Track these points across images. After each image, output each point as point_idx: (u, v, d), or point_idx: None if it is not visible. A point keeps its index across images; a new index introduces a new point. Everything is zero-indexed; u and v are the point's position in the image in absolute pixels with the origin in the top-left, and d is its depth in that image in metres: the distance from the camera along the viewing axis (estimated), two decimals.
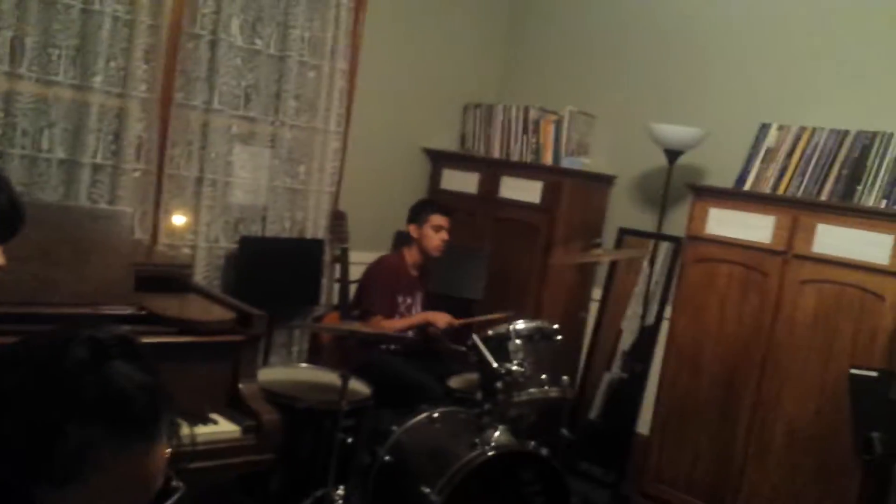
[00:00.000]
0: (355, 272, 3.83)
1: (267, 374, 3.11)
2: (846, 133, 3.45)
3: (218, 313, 2.51)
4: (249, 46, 3.69)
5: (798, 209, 3.34)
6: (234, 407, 2.44)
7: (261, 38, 3.72)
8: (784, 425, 3.29)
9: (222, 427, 2.36)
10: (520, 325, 3.04)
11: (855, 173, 3.38)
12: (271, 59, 3.77)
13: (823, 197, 3.42)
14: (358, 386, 3.15)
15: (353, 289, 3.83)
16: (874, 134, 3.38)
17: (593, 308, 4.38)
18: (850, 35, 3.60)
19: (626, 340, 4.22)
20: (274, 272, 3.77)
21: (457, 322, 3.60)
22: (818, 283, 3.24)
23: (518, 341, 3.01)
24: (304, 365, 3.51)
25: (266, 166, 3.87)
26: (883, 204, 3.26)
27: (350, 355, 3.18)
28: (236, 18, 3.60)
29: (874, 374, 2.97)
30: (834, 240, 3.21)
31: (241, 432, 2.38)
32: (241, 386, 2.45)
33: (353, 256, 3.85)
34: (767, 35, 3.86)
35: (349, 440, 2.87)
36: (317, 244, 3.99)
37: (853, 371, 2.98)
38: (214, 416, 2.39)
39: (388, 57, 4.33)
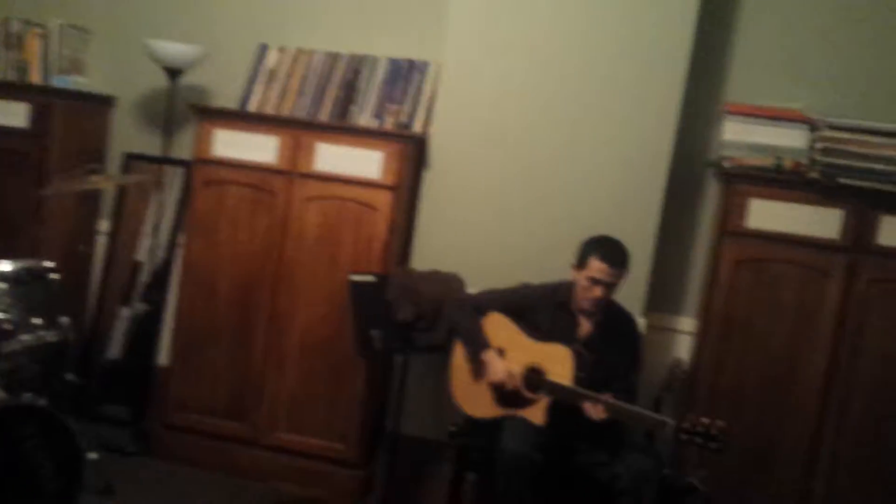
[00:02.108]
0: None
1: None
2: (338, 56, 3.66)
3: None
4: None
5: (299, 129, 3.45)
6: None
7: None
8: (298, 335, 3.47)
9: None
10: (3, 266, 2.66)
11: (349, 94, 3.61)
12: None
13: (322, 117, 3.59)
14: None
15: None
16: (363, 57, 3.64)
17: (103, 241, 4.06)
18: None
19: (145, 272, 4.00)
20: None
21: None
22: (321, 199, 3.42)
23: (2, 285, 2.63)
24: None
25: None
26: (374, 123, 3.55)
27: None
28: None
29: (371, 278, 3.26)
30: (332, 158, 3.40)
31: None
32: None
33: None
34: None
35: None
36: None
37: (352, 277, 3.23)
38: None
39: None
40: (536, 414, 2.89)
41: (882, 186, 2.96)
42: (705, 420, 2.66)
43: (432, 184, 3.53)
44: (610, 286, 2.88)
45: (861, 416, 3.13)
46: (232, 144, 3.47)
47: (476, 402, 3.06)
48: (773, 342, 3.19)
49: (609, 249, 2.88)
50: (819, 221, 3.08)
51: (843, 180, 2.98)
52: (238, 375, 3.53)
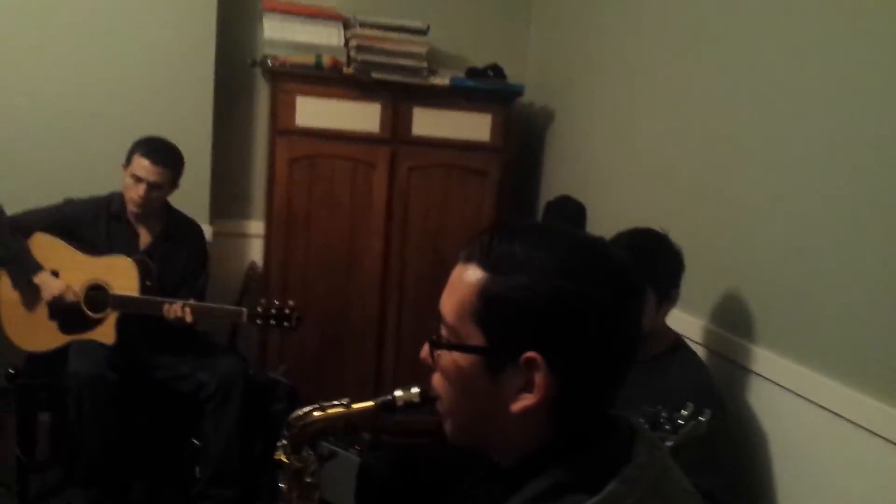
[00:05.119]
0: None
1: None
2: None
3: None
4: None
5: None
6: None
7: None
8: None
9: None
10: None
11: None
12: None
13: None
14: None
15: None
16: None
17: None
18: None
19: None
20: None
21: None
22: None
23: None
24: None
25: None
26: None
27: None
28: None
29: None
30: None
31: None
32: None
33: None
34: None
35: None
36: None
37: None
38: None
39: None
40: (105, 333, 2.76)
41: (409, 80, 3.25)
42: (276, 302, 2.78)
43: None
44: (154, 186, 2.78)
45: (415, 289, 3.51)
46: None
47: (35, 334, 2.80)
48: (335, 235, 3.38)
49: (153, 147, 2.78)
50: (361, 116, 3.28)
51: (375, 75, 3.20)
52: None
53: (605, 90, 3.10)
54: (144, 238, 2.88)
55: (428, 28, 3.32)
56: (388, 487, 2.22)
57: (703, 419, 1.57)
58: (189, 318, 2.69)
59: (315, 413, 1.08)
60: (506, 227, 0.92)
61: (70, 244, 2.79)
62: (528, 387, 0.87)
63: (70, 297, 2.72)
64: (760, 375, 2.13)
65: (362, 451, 2.75)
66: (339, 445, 2.77)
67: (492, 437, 0.94)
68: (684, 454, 1.50)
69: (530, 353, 0.85)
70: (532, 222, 0.96)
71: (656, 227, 2.10)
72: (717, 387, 2.06)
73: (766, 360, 2.11)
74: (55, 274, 2.76)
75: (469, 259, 0.91)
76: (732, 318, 2.26)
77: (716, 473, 1.80)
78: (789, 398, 2.01)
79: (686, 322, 2.35)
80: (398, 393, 1.03)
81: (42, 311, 2.77)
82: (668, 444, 1.52)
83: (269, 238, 3.38)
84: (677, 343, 2.11)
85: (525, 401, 0.87)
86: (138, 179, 2.75)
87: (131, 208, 2.81)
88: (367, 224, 3.41)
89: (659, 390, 1.90)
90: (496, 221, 0.85)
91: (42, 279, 2.72)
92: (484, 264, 0.89)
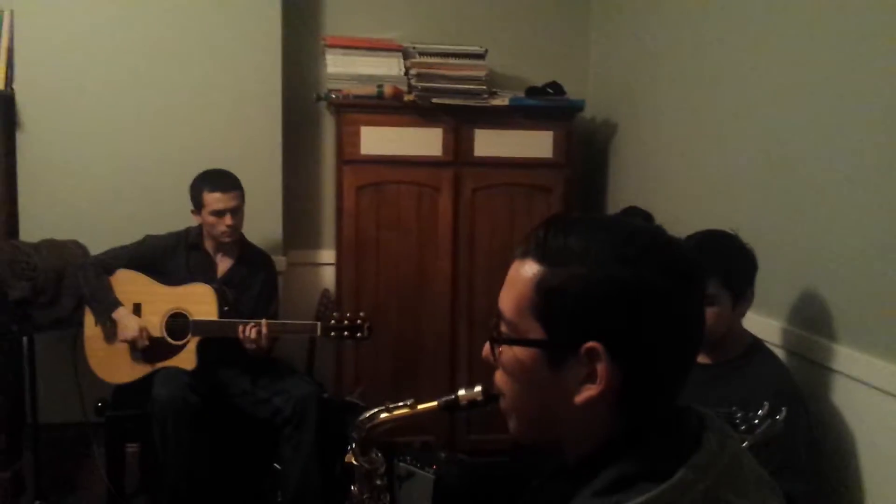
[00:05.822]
0: None
1: None
2: None
3: None
4: None
5: None
6: None
7: None
8: None
9: None
10: None
11: None
12: None
13: None
14: None
15: None
16: None
17: None
18: None
19: None
20: None
21: None
22: None
23: None
24: None
25: None
26: None
27: None
28: None
29: None
30: None
31: None
32: None
33: None
34: None
35: None
36: None
37: None
38: None
39: None
40: (187, 359, 2.85)
41: (468, 102, 3.29)
42: (348, 314, 2.84)
43: (28, 146, 3.22)
44: (234, 211, 2.91)
45: (485, 308, 3.50)
46: None
47: (118, 367, 2.91)
48: (403, 259, 3.43)
49: (216, 179, 2.91)
50: (424, 141, 3.33)
51: (436, 100, 3.26)
52: None
53: (669, 99, 3.08)
54: (222, 266, 3.00)
55: (486, 52, 3.37)
56: (463, 502, 2.23)
57: (779, 418, 1.53)
58: (265, 331, 2.77)
59: (382, 414, 1.09)
60: (560, 220, 0.91)
61: (151, 277, 2.92)
62: (590, 378, 0.86)
63: (144, 342, 2.83)
64: (843, 374, 2.05)
65: (439, 470, 2.76)
66: (415, 465, 2.79)
67: (557, 431, 0.92)
68: (764, 456, 1.46)
69: (591, 344, 0.84)
70: (586, 214, 0.94)
71: (727, 228, 2.07)
72: (799, 388, 2.00)
73: (848, 358, 2.03)
74: (138, 307, 2.88)
75: (525, 254, 0.91)
76: (810, 317, 2.20)
77: (798, 477, 1.74)
78: (875, 396, 1.93)
79: (763, 324, 2.29)
80: (461, 392, 1.03)
81: (124, 343, 2.88)
82: (744, 444, 1.48)
83: (340, 265, 3.45)
84: (755, 345, 2.06)
85: (589, 392, 0.86)
86: (220, 213, 2.87)
87: (224, 240, 2.95)
88: (434, 246, 3.44)
89: (737, 393, 1.86)
90: (550, 216, 0.84)
91: (119, 315, 2.84)
92: (539, 258, 0.89)
